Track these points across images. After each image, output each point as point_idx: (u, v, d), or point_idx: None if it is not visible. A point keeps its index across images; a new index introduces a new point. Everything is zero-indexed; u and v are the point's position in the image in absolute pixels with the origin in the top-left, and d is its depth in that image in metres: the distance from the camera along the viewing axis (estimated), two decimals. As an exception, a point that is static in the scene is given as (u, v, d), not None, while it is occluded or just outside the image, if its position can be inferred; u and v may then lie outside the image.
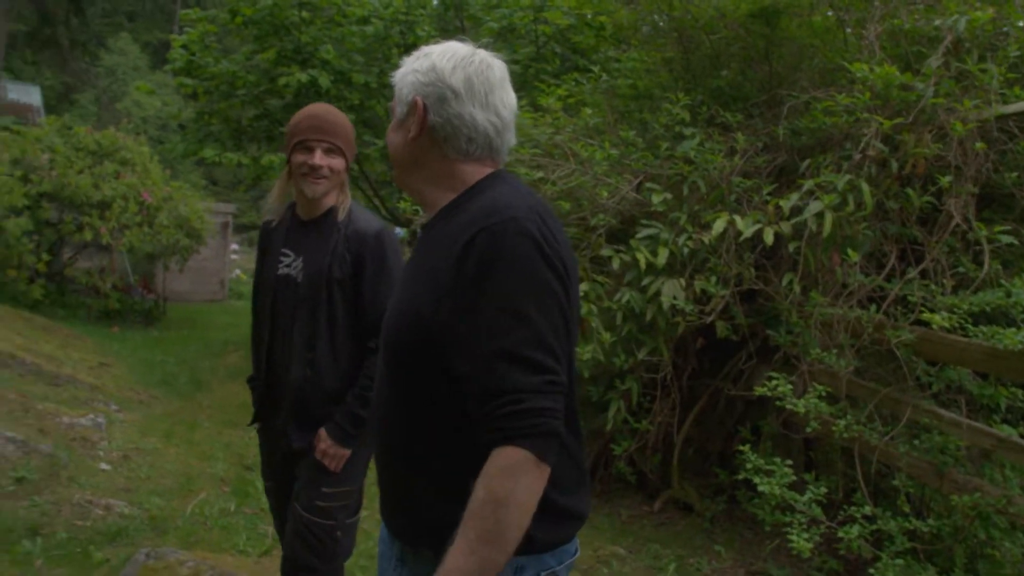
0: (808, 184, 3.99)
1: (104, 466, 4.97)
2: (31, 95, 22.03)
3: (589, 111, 5.14)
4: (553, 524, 1.38)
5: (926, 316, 3.36)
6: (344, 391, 2.54)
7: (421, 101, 1.44)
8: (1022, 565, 3.56)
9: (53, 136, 11.56)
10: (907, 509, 3.63)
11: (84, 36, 25.03)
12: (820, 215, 3.86)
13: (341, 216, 2.53)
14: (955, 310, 3.42)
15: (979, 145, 3.72)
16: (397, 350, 1.43)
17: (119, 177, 11.59)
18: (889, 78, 3.90)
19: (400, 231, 10.30)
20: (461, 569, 1.20)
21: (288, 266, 2.55)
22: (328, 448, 2.50)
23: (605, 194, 4.55)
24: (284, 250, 2.58)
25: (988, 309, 3.43)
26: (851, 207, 3.85)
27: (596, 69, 5.31)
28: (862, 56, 4.32)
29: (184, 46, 7.92)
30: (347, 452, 2.54)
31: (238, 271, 20.60)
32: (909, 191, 3.86)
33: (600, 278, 4.56)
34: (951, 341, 3.55)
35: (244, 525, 4.32)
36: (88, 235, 11.06)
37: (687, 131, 4.85)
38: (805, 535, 3.29)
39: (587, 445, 5.52)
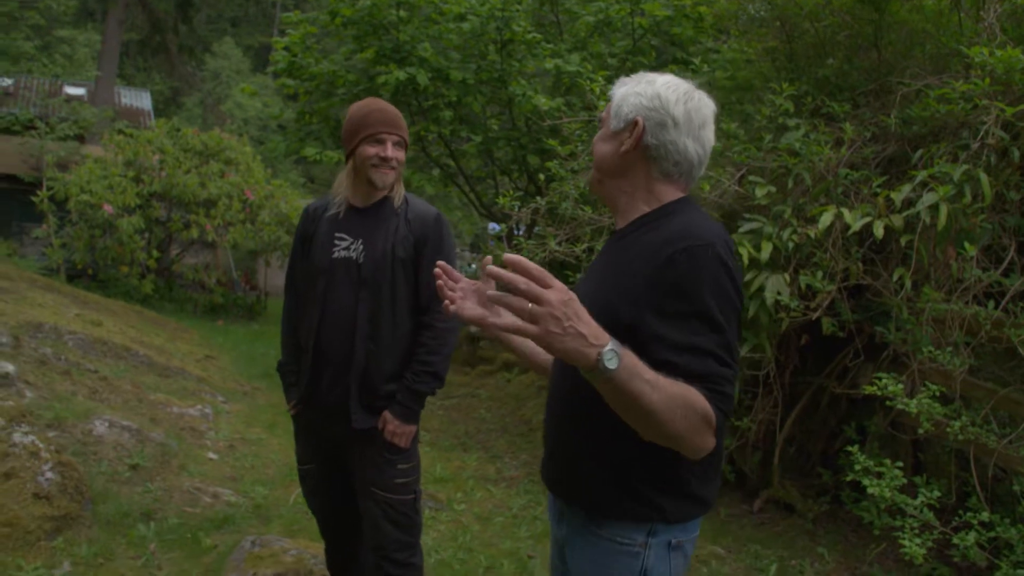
0: (921, 175, 3.82)
1: (212, 455, 5.18)
2: (142, 100, 23.17)
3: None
4: (685, 504, 1.62)
5: (1054, 313, 3.17)
6: (402, 367, 2.65)
7: (642, 122, 1.62)
8: None
9: (163, 138, 12.11)
10: (1030, 516, 3.45)
11: (191, 41, 26.11)
12: (935, 207, 3.69)
13: (398, 203, 2.68)
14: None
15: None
16: None
17: (224, 176, 12.07)
18: (1011, 62, 3.69)
19: (496, 226, 10.39)
20: (641, 377, 1.34)
21: (346, 249, 2.65)
22: (396, 428, 2.62)
23: (707, 188, 4.46)
24: (339, 235, 2.67)
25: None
26: (967, 198, 3.66)
27: (697, 61, 5.20)
28: (980, 39, 4.10)
29: (286, 48, 8.16)
30: (414, 428, 2.67)
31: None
32: (1031, 181, 3.66)
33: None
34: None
35: (345, 513, 4.42)
36: (195, 232, 11.56)
37: (791, 122, 4.72)
38: (917, 540, 3.16)
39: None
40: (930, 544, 3.17)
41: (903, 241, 3.86)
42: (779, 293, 4.27)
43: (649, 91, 1.63)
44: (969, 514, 3.28)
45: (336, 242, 2.69)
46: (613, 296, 1.56)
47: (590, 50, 7.77)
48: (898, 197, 3.89)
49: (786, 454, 5.08)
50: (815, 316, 4.17)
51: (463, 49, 7.79)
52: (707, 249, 1.48)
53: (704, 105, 1.65)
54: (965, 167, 3.69)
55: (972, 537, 3.16)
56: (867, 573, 4.05)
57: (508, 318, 1.49)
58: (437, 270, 1.83)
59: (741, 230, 4.44)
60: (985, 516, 3.23)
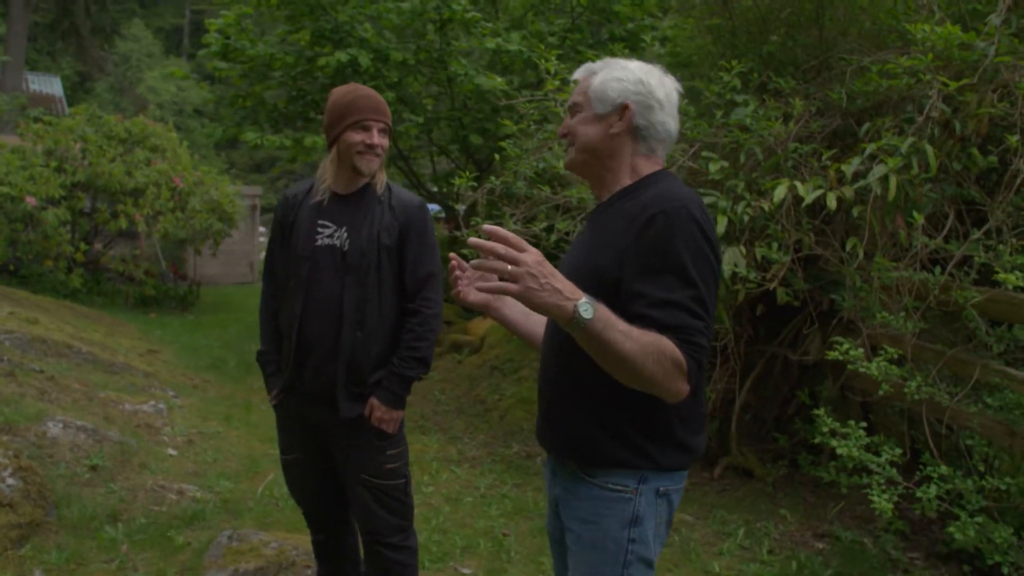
0: (870, 148, 3.97)
1: (171, 451, 5.07)
2: (53, 86, 22.19)
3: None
4: (674, 453, 1.75)
5: (1001, 276, 3.35)
6: (389, 354, 2.66)
7: (632, 106, 1.77)
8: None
9: (84, 126, 11.63)
10: (982, 468, 3.66)
11: (103, 22, 25.03)
12: (885, 179, 3.85)
13: (380, 189, 2.68)
14: (1025, 269, 3.41)
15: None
16: None
17: (150, 164, 11.67)
18: (950, 38, 3.86)
19: (436, 207, 10.36)
20: (615, 328, 1.48)
21: (330, 236, 2.64)
22: (384, 414, 2.63)
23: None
24: (322, 222, 2.66)
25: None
26: (915, 170, 3.83)
27: (648, 39, 5.26)
28: (918, 17, 4.27)
29: (219, 30, 7.92)
30: (401, 413, 2.69)
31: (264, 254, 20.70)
32: (974, 151, 3.84)
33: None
34: (1021, 300, 3.57)
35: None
36: (123, 223, 11.15)
37: (739, 98, 4.84)
38: (885, 495, 3.32)
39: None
40: (896, 499, 3.34)
41: (855, 212, 4.02)
42: (736, 265, 4.40)
43: (631, 76, 1.79)
44: (929, 469, 3.46)
45: (319, 229, 2.67)
46: (599, 260, 1.72)
47: (529, 29, 7.77)
48: (848, 169, 4.03)
49: (742, 421, 5.25)
50: (772, 287, 4.31)
51: (401, 30, 7.70)
52: (681, 210, 1.62)
53: (673, 86, 1.84)
54: (912, 140, 3.85)
55: (933, 490, 3.34)
56: (828, 531, 4.23)
57: (492, 283, 1.60)
58: (453, 262, 1.93)
59: (697, 205, 4.54)
60: (944, 470, 3.42)
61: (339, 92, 2.68)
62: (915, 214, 3.83)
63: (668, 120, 1.80)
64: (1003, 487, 3.41)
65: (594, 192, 1.90)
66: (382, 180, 2.71)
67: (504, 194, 5.03)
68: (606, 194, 1.84)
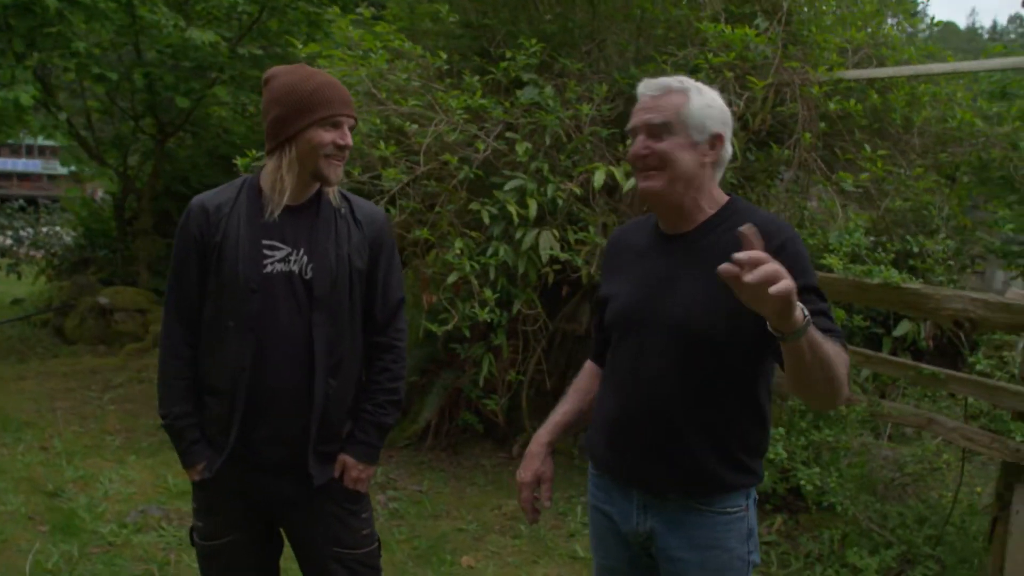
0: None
1: None
2: None
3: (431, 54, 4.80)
4: (763, 463, 1.86)
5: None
6: (356, 399, 2.23)
7: (723, 137, 1.77)
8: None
9: None
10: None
11: None
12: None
13: (337, 200, 2.18)
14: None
15: (833, 105, 4.24)
16: (703, 339, 1.72)
17: None
18: (745, 39, 4.25)
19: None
20: (820, 344, 1.48)
21: (283, 261, 2.10)
22: (360, 473, 2.20)
23: (482, 147, 4.38)
24: (270, 242, 2.10)
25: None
26: (719, 158, 4.17)
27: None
28: (703, 14, 4.63)
29: None
30: (375, 467, 2.27)
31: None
32: (773, 145, 4.30)
33: (475, 233, 4.43)
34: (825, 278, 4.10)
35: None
36: None
37: (525, 76, 4.82)
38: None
39: (436, 401, 5.42)
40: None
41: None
42: (552, 249, 4.44)
43: (720, 105, 1.80)
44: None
45: (267, 252, 2.08)
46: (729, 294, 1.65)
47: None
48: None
49: (528, 397, 5.35)
50: (592, 269, 4.41)
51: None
52: (797, 235, 1.74)
53: None
54: (718, 131, 4.18)
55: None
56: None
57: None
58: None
59: (506, 188, 4.46)
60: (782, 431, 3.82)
61: (293, 78, 2.08)
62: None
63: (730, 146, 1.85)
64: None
65: (662, 219, 1.84)
66: (335, 188, 2.19)
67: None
68: (682, 224, 1.80)
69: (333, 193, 2.17)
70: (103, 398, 6.06)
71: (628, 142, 4.30)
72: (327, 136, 2.05)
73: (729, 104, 4.11)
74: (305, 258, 2.09)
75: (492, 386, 5.04)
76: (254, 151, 4.18)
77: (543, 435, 2.03)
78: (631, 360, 1.83)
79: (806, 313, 1.41)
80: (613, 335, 1.91)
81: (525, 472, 1.99)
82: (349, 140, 2.10)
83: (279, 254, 2.09)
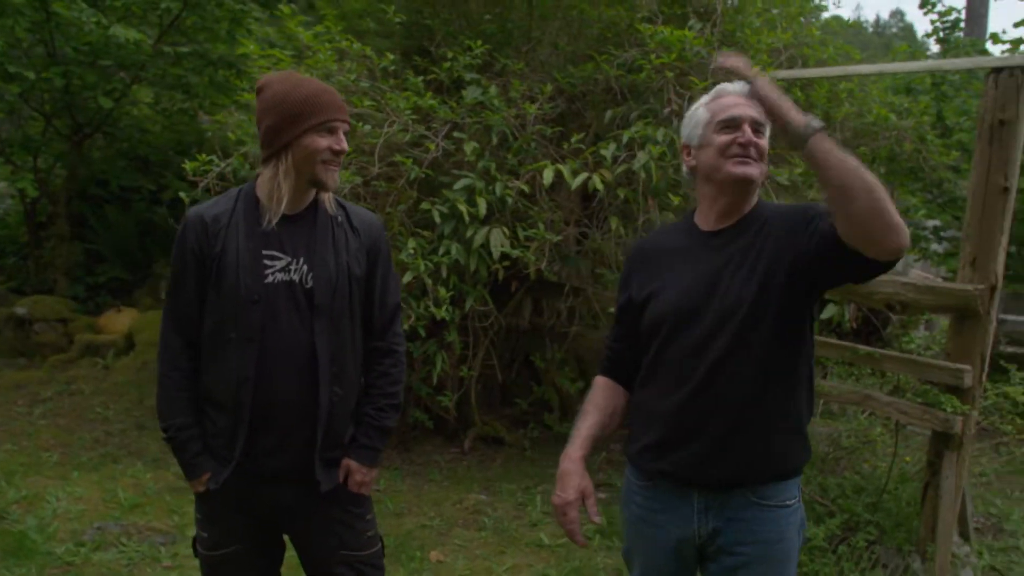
0: (627, 135, 4.36)
1: None
2: None
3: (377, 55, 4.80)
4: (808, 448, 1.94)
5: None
6: (357, 406, 2.28)
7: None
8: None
9: None
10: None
11: None
12: (647, 165, 4.29)
13: (330, 205, 2.22)
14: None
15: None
16: (756, 315, 1.80)
17: None
18: (684, 41, 4.43)
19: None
20: (836, 154, 1.63)
21: (284, 271, 2.14)
22: (364, 476, 2.26)
23: (433, 148, 4.42)
24: (270, 252, 2.13)
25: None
26: (669, 157, 4.35)
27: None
28: (639, 14, 4.78)
29: None
30: (377, 470, 2.34)
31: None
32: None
33: (427, 232, 4.48)
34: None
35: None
36: None
37: (468, 76, 4.88)
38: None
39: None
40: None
41: (621, 194, 4.42)
42: (503, 246, 4.53)
43: None
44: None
45: (267, 262, 2.11)
46: (771, 270, 1.81)
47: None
48: (608, 154, 4.40)
49: (477, 392, 5.44)
50: (543, 265, 4.53)
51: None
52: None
53: None
54: (664, 130, 4.35)
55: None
56: (604, 481, 4.66)
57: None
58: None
59: (456, 187, 4.52)
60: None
61: (285, 86, 2.10)
62: (671, 196, 4.37)
63: None
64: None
65: (724, 211, 1.91)
66: (330, 195, 2.23)
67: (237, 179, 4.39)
68: (734, 215, 1.91)
69: (329, 201, 2.21)
70: (32, 413, 5.81)
71: (575, 139, 4.41)
72: (323, 142, 2.07)
73: (670, 104, 4.39)
74: (305, 267, 2.12)
75: (442, 383, 5.11)
76: (203, 155, 4.11)
77: (575, 451, 1.96)
78: (690, 351, 1.85)
79: (810, 118, 1.61)
80: (659, 333, 1.91)
81: (567, 491, 1.90)
82: (345, 145, 2.12)
83: (279, 264, 2.12)
